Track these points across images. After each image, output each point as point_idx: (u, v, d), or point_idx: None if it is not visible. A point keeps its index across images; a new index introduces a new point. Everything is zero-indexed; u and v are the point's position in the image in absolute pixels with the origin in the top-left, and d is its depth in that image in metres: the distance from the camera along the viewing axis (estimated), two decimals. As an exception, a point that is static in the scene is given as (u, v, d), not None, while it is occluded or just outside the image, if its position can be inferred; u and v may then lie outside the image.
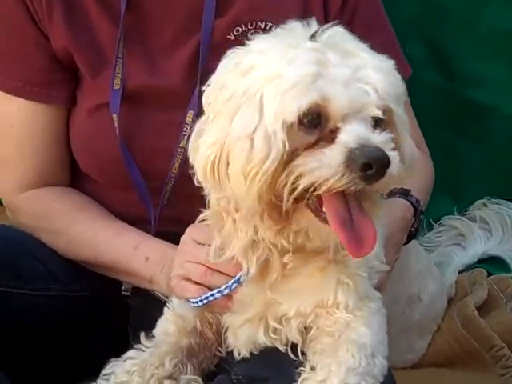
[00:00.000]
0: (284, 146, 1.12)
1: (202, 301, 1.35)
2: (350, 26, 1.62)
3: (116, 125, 1.57)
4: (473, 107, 2.26)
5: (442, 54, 2.25)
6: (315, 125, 1.15)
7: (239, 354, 1.35)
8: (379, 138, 1.13)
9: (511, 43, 2.17)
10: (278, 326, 1.30)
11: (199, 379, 1.40)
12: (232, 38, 1.64)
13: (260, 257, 1.28)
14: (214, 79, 1.24)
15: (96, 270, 1.67)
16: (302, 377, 1.22)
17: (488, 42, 2.19)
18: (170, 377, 1.38)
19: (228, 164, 1.17)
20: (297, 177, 1.14)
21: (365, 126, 1.15)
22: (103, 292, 1.72)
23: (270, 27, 1.64)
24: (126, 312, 1.70)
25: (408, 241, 1.59)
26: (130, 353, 1.41)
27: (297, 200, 1.16)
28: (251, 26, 1.64)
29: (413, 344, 1.87)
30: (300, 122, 1.14)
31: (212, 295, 1.34)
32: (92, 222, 1.65)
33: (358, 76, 1.16)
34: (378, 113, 1.16)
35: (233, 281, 1.32)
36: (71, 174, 1.77)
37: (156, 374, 1.37)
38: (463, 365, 1.89)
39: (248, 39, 1.60)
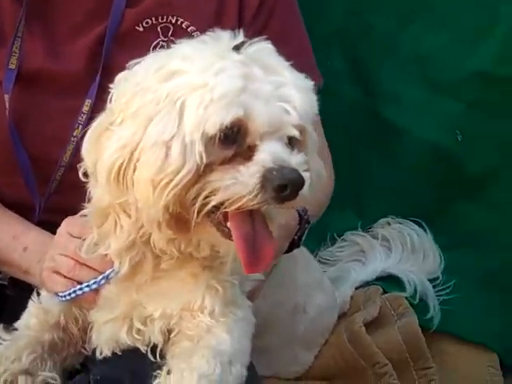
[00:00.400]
0: (201, 158, 1.11)
1: (69, 294, 1.33)
2: (266, 28, 1.66)
3: (7, 105, 1.52)
4: (387, 126, 2.27)
5: (363, 71, 2.26)
6: (233, 140, 1.13)
7: (101, 353, 1.33)
8: (295, 159, 1.14)
9: (429, 68, 2.19)
10: (141, 327, 1.28)
11: (57, 377, 1.35)
12: (141, 29, 1.61)
13: (134, 258, 1.26)
14: (132, 80, 1.20)
15: None
16: (156, 381, 1.20)
17: (408, 64, 2.21)
18: (26, 372, 1.33)
19: (135, 170, 1.14)
20: (210, 192, 1.12)
21: (281, 145, 1.15)
22: None
23: (182, 23, 1.62)
24: (2, 302, 1.65)
25: (291, 249, 1.56)
26: None
27: (202, 215, 1.15)
28: (162, 19, 1.62)
29: (297, 356, 1.87)
30: (220, 135, 1.12)
31: (80, 289, 1.32)
32: None
33: (280, 93, 1.16)
34: (296, 133, 1.16)
35: (102, 276, 1.30)
36: None
37: (11, 368, 1.32)
38: (346, 380, 1.91)
39: (157, 32, 1.62)
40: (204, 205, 1.13)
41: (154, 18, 1.61)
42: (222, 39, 1.20)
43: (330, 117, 2.21)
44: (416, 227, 2.29)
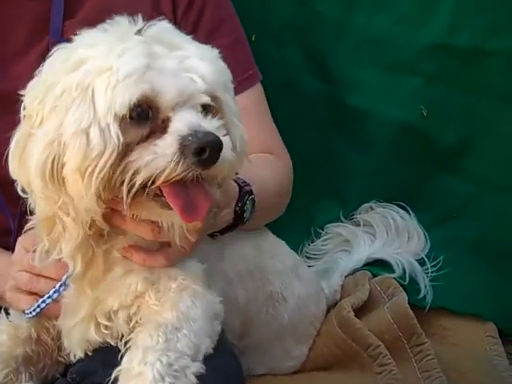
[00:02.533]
0: (118, 139, 1.13)
1: (35, 310, 1.35)
2: (196, 27, 1.67)
3: None
4: (352, 112, 2.27)
5: (318, 59, 2.25)
6: (146, 117, 1.16)
7: (75, 357, 1.34)
8: (210, 124, 1.17)
9: (383, 49, 2.19)
10: (107, 322, 1.30)
11: None
12: None
13: (85, 255, 1.27)
14: (41, 79, 1.22)
15: None
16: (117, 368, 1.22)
17: (361, 48, 2.21)
18: None
19: (63, 165, 1.16)
20: (133, 173, 1.14)
21: (195, 113, 1.18)
22: None
23: None
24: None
25: (235, 222, 1.52)
26: None
27: (136, 195, 1.16)
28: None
29: (289, 350, 1.84)
30: (131, 114, 1.14)
31: (43, 302, 1.34)
32: None
33: (185, 66, 1.19)
34: (207, 99, 1.19)
35: (59, 284, 1.32)
36: None
37: None
38: (342, 367, 1.88)
39: None
40: (132, 185, 1.14)
41: (94, 26, 1.63)
42: (122, 24, 1.24)
43: (294, 109, 2.24)
44: (399, 210, 2.28)
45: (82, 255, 1.27)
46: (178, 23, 1.67)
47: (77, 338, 1.33)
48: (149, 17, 1.63)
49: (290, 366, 1.87)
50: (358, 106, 2.26)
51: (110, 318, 1.30)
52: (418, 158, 2.28)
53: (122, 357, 1.24)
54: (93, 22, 1.59)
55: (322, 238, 2.30)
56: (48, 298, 1.33)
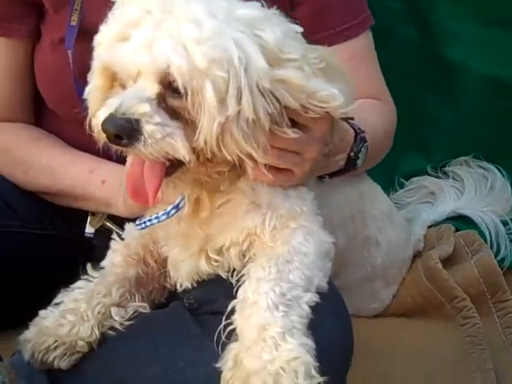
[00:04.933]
0: None
1: (144, 223, 1.36)
2: None
3: (70, 60, 1.57)
4: (447, 65, 2.26)
5: (419, 10, 2.24)
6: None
7: (181, 286, 1.39)
8: (144, 108, 1.17)
9: (485, 3, 2.17)
10: (217, 257, 1.33)
11: (146, 306, 1.43)
12: None
13: (191, 195, 1.32)
14: None
15: (56, 201, 1.69)
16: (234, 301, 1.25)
17: (463, 1, 2.19)
18: (117, 305, 1.41)
19: None
20: None
21: (146, 89, 1.18)
22: (66, 231, 1.75)
23: None
24: (92, 251, 1.71)
25: (347, 167, 1.52)
26: (78, 283, 1.44)
27: None
28: None
29: (377, 292, 1.88)
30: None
31: (156, 218, 1.34)
32: (48, 150, 1.67)
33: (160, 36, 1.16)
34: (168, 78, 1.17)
35: (172, 206, 1.33)
36: (39, 114, 1.77)
37: (102, 301, 1.40)
38: (424, 315, 1.92)
39: None
40: None
41: None
42: None
43: (388, 57, 2.22)
44: (493, 168, 2.27)
45: (188, 195, 1.31)
46: None
47: (186, 269, 1.37)
48: None
49: (375, 308, 1.91)
50: (453, 60, 2.25)
51: (221, 254, 1.33)
52: (508, 115, 2.26)
53: (237, 290, 1.28)
54: None
55: (405, 189, 2.32)
56: (162, 215, 1.33)
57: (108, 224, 1.68)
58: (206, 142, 1.18)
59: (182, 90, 1.15)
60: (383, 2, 2.17)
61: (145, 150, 1.17)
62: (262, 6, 1.23)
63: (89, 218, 1.69)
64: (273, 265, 1.25)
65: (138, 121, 1.15)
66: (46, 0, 1.62)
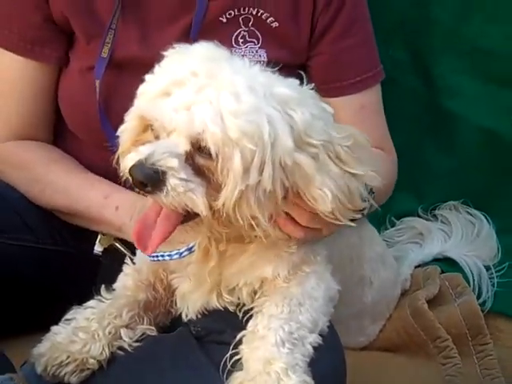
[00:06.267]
0: None
1: (157, 256, 1.43)
2: (336, 18, 1.77)
3: (97, 90, 1.66)
4: (444, 114, 2.39)
5: (424, 62, 2.37)
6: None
7: (186, 316, 1.46)
8: (170, 162, 1.22)
9: (489, 60, 2.30)
10: (229, 296, 1.41)
11: (154, 329, 1.51)
12: (224, 20, 1.73)
13: (201, 242, 1.39)
14: None
15: (69, 220, 1.77)
16: (242, 332, 1.35)
17: (468, 56, 2.32)
18: (126, 326, 1.49)
19: None
20: None
21: (176, 144, 1.23)
22: (76, 249, 1.82)
23: (261, 14, 1.74)
24: (98, 268, 1.79)
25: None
26: (91, 302, 1.52)
27: None
28: (243, 10, 1.74)
29: (365, 328, 1.97)
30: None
31: (169, 255, 1.41)
32: (66, 172, 1.75)
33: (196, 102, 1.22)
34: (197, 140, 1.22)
35: (185, 248, 1.40)
36: (58, 134, 1.86)
37: (113, 322, 1.48)
38: (407, 351, 2.01)
39: (238, 23, 1.73)
40: None
41: (236, 10, 1.73)
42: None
43: (389, 104, 2.34)
44: (480, 215, 2.38)
45: (198, 242, 1.38)
46: (316, 13, 1.76)
47: (196, 304, 1.44)
48: (288, 4, 1.74)
49: (361, 342, 2.00)
50: (451, 110, 2.38)
51: (233, 293, 1.42)
52: (499, 166, 2.40)
53: (245, 322, 1.37)
54: (236, 5, 1.72)
55: (396, 228, 2.42)
56: (175, 254, 1.41)
57: (117, 244, 1.75)
58: (223, 204, 1.24)
59: (214, 155, 1.21)
60: (389, 52, 2.28)
61: (166, 201, 1.23)
62: (302, 82, 1.31)
63: (99, 236, 1.77)
64: (286, 304, 1.36)
65: (164, 173, 1.21)
66: (79, 31, 1.72)
